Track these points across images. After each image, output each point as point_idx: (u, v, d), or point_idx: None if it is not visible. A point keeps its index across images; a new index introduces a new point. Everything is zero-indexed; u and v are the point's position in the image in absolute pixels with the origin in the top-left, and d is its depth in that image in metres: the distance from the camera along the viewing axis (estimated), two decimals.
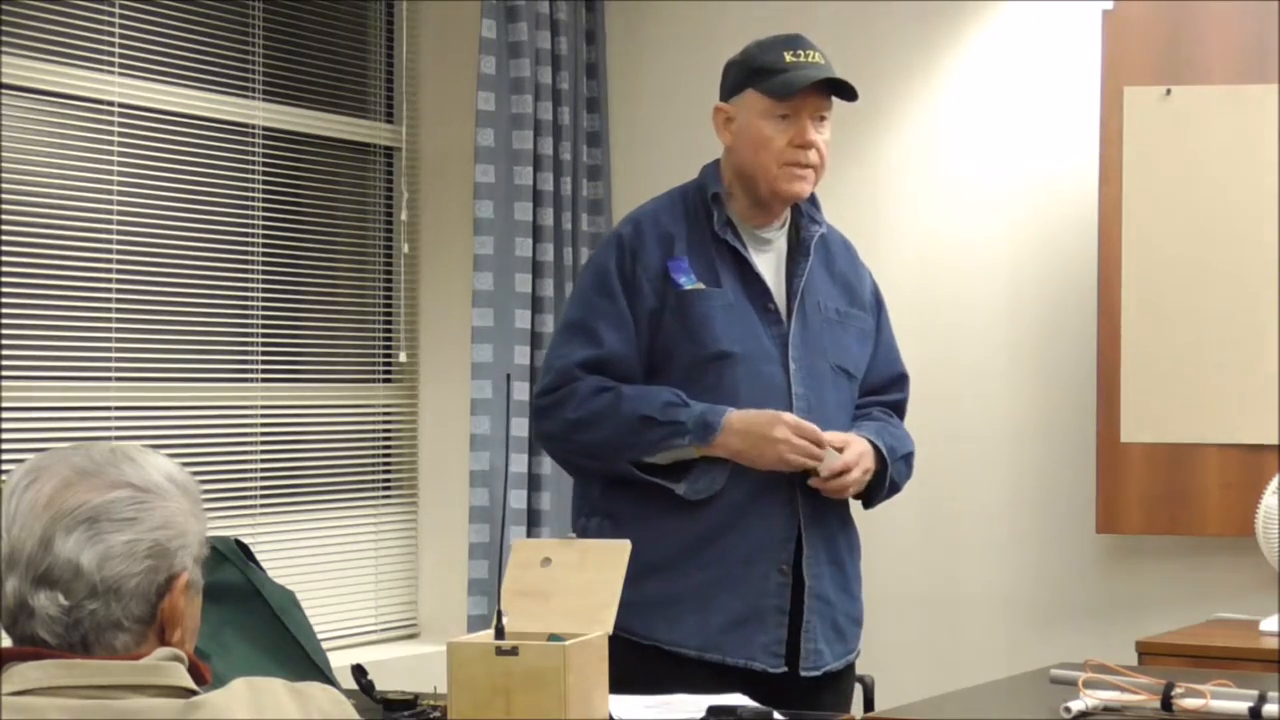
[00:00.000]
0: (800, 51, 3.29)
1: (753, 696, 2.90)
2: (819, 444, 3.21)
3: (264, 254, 5.06)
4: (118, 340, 4.63)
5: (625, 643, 2.69)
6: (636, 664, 2.90)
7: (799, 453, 3.20)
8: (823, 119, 3.31)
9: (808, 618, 3.27)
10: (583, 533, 3.24)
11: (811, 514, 3.28)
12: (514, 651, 2.55)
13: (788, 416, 3.20)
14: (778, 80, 3.26)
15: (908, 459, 3.40)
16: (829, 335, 3.35)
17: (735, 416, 3.20)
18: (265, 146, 5.07)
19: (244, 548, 2.97)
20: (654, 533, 3.14)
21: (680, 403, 3.22)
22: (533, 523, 5.12)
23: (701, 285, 3.28)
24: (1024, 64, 5.01)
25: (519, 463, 5.02)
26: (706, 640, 3.24)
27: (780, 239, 3.38)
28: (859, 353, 3.42)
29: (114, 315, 4.62)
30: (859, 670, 3.51)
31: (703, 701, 2.81)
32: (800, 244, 3.37)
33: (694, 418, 3.20)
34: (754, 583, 3.25)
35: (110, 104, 4.62)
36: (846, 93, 3.33)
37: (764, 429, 3.19)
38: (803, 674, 3.25)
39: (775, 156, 3.27)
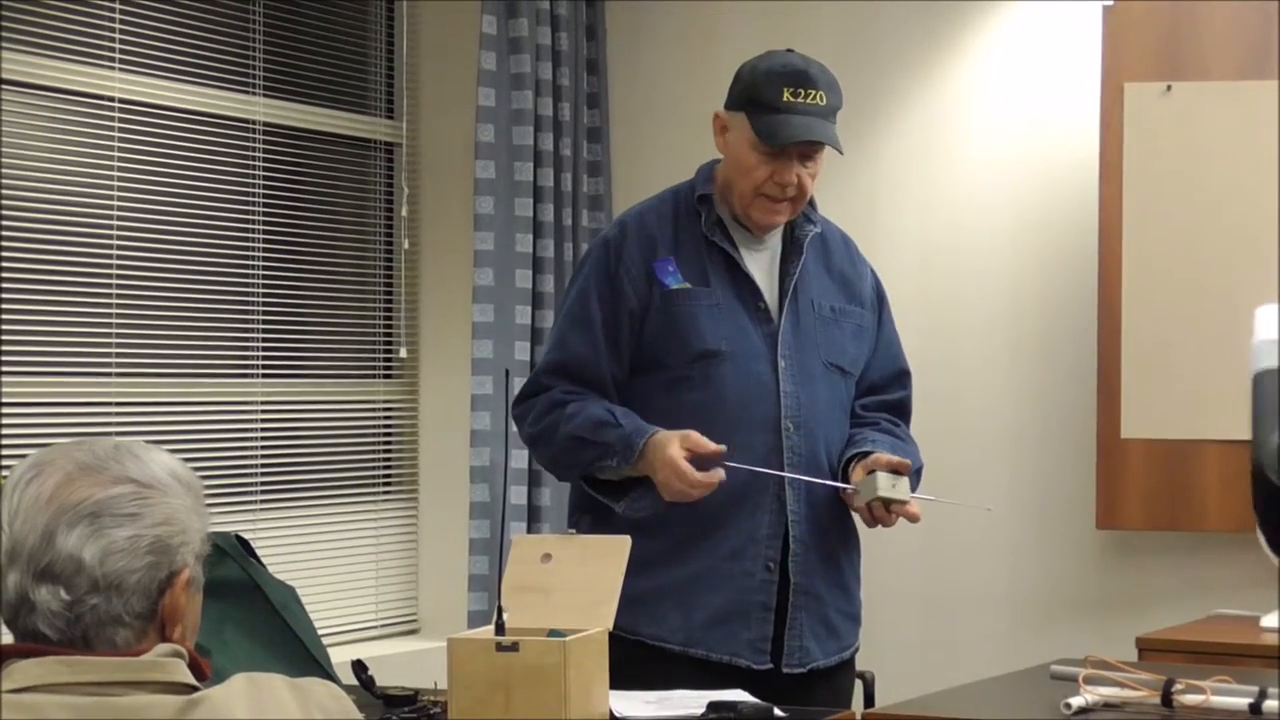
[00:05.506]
0: (801, 91, 3.23)
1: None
2: (697, 485, 3.15)
3: (264, 250, 5.06)
4: (118, 336, 4.63)
5: (611, 637, 2.70)
6: (623, 659, 2.90)
7: (679, 498, 3.16)
8: (811, 158, 3.29)
9: (794, 614, 3.27)
10: (575, 529, 3.25)
11: (803, 511, 3.27)
12: (514, 647, 2.55)
13: (674, 452, 3.13)
14: (768, 122, 3.23)
15: (918, 473, 3.40)
16: (822, 333, 3.35)
17: (653, 440, 3.18)
18: (266, 142, 5.07)
19: (244, 543, 2.97)
20: (640, 529, 3.14)
21: (612, 423, 3.22)
22: (533, 518, 5.12)
23: (688, 285, 3.29)
24: (1024, 61, 5.01)
25: (519, 458, 5.02)
26: (690, 636, 3.24)
27: (774, 238, 3.37)
28: (855, 350, 3.41)
29: (114, 311, 4.62)
30: (860, 666, 3.51)
31: (703, 697, 2.81)
32: (794, 243, 3.37)
33: (621, 439, 3.20)
34: (738, 579, 3.25)
35: (111, 99, 4.62)
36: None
37: (654, 471, 3.17)
38: (785, 671, 3.25)
39: (754, 186, 3.27)
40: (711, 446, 3.16)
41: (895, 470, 3.21)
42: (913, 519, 3.24)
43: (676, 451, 3.14)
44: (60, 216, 4.51)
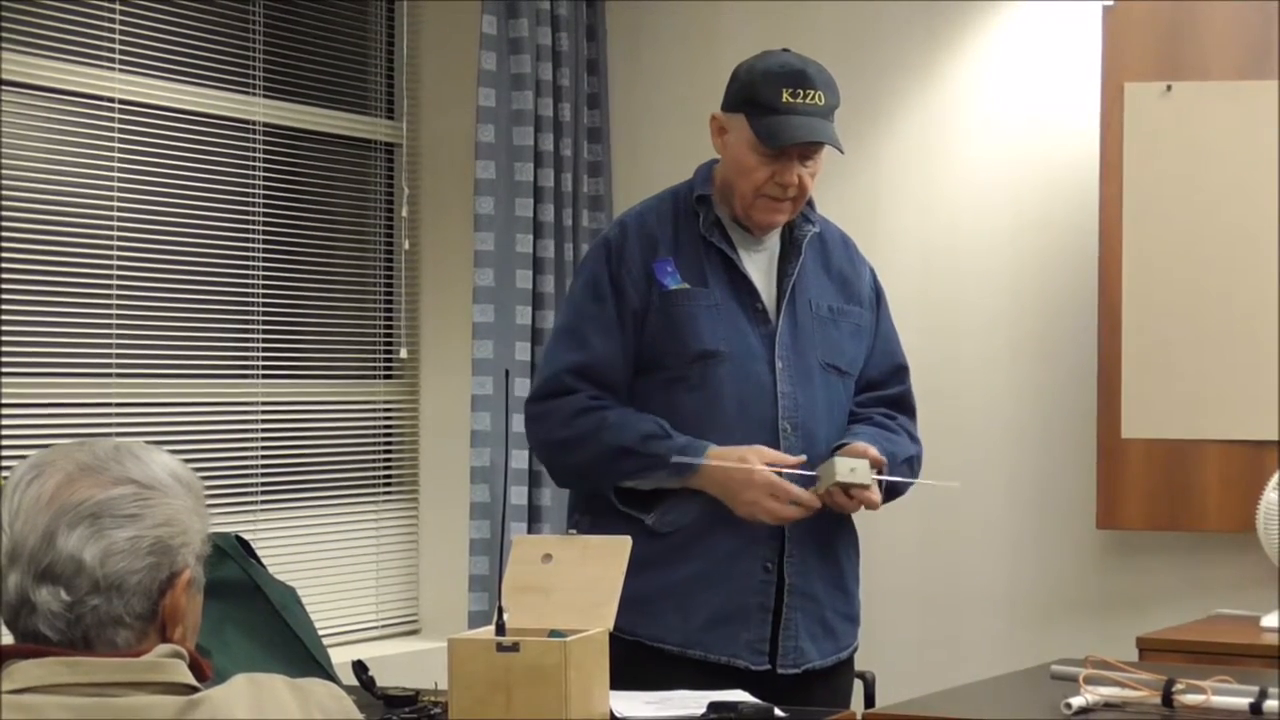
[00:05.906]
0: (800, 91, 3.23)
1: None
2: (798, 501, 3.19)
3: (264, 250, 5.06)
4: (118, 337, 4.63)
5: (610, 638, 2.69)
6: (621, 659, 2.90)
7: (771, 516, 3.19)
8: (811, 157, 3.29)
9: (789, 615, 3.26)
10: (575, 529, 3.24)
11: None
12: (515, 647, 2.55)
13: (759, 476, 3.16)
14: (767, 124, 3.23)
15: (910, 462, 3.39)
16: (820, 333, 3.35)
17: (715, 456, 3.18)
18: (266, 142, 5.07)
19: (245, 544, 2.97)
20: (639, 530, 3.14)
21: (662, 434, 3.21)
22: (533, 519, 5.12)
23: (686, 285, 3.29)
24: (1025, 61, 5.01)
25: (520, 459, 5.02)
26: (688, 636, 3.24)
27: (772, 238, 3.37)
28: (853, 350, 3.41)
29: (115, 311, 4.62)
30: (860, 666, 3.51)
31: (704, 698, 2.81)
32: (792, 243, 3.37)
33: (675, 452, 3.19)
34: (737, 579, 3.25)
35: (110, 100, 4.62)
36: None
37: (738, 487, 3.18)
38: (780, 671, 3.25)
39: (754, 187, 3.27)
40: (791, 460, 3.19)
41: (874, 460, 3.21)
42: (871, 505, 3.24)
43: (762, 476, 3.15)
44: (60, 217, 4.51)
